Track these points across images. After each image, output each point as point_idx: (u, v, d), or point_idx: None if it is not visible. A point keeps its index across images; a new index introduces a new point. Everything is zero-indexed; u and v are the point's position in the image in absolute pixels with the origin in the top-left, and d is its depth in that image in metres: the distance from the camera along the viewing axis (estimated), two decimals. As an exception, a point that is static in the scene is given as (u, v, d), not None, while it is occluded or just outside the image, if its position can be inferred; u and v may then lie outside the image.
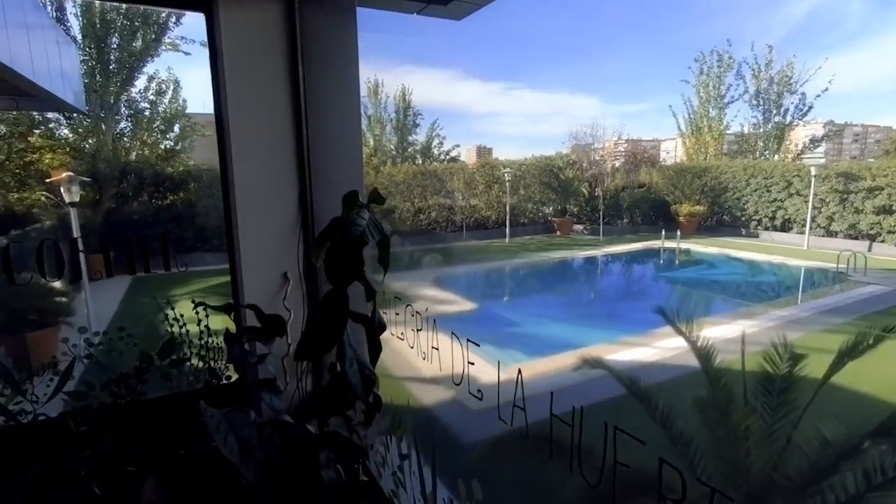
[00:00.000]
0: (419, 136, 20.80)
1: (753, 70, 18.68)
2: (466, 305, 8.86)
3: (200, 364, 1.76)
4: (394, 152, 20.19)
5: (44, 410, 1.45)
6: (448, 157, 21.39)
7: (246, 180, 1.56)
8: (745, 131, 19.80)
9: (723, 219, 16.71)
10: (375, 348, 1.11)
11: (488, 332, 7.41)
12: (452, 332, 1.49)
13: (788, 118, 18.73)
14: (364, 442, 1.17)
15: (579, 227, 17.53)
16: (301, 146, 1.65)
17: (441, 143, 21.27)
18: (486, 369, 1.94)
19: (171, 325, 1.83)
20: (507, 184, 16.24)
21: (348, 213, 1.12)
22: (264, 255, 1.55)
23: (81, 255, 2.06)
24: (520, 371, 1.12)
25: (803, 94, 18.15)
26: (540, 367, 5.34)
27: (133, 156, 13.83)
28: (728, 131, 20.00)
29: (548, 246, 15.30)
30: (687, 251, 14.07)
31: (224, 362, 1.76)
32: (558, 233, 17.04)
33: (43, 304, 5.40)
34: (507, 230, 16.28)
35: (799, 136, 20.48)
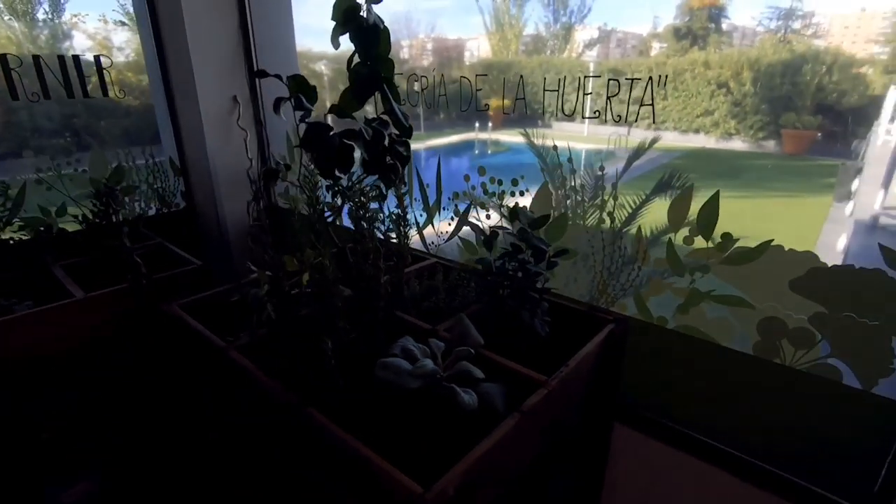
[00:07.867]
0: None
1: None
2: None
3: (150, 192, 1.78)
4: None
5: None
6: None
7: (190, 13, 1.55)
8: (540, 30, 21.70)
9: (524, 111, 18.77)
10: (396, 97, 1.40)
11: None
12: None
13: (573, 19, 21.05)
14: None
15: (401, 123, 17.79)
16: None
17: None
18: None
19: (123, 155, 1.75)
20: (325, 78, 15.49)
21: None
22: (214, 83, 1.61)
23: None
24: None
25: (583, -5, 20.37)
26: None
27: None
28: (526, 31, 21.65)
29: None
30: (497, 141, 15.68)
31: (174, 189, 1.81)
32: (381, 129, 17.11)
33: None
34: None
35: (580, 37, 23.23)
